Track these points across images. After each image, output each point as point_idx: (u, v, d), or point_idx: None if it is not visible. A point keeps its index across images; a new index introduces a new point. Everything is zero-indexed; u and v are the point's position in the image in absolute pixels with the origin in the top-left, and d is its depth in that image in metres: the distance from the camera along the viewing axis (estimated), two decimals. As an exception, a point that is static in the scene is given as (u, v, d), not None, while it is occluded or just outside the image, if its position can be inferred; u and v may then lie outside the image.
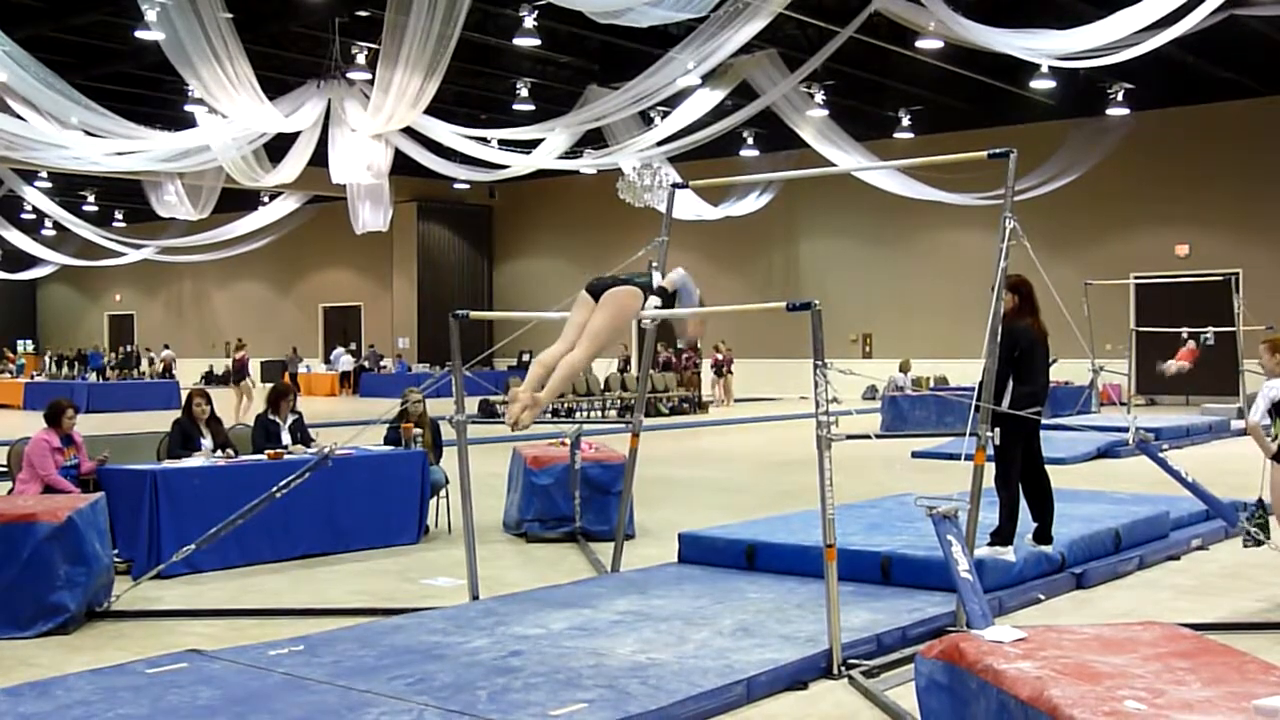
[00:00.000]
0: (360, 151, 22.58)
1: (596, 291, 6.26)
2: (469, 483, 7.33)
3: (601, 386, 25.96)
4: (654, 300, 6.32)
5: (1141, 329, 23.96)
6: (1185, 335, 20.12)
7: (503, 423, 5.89)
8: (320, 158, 23.03)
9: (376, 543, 9.34)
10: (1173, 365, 18.85)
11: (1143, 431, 7.38)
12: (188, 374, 38.98)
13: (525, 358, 33.61)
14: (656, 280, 6.43)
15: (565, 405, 24.56)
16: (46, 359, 41.17)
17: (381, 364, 35.95)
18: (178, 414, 9.96)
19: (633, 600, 7.04)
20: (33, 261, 40.01)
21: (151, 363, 39.03)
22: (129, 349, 41.99)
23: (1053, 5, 19.70)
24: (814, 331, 5.98)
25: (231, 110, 18.12)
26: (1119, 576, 8.02)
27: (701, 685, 5.31)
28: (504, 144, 23.86)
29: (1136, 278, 25.21)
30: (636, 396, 8.78)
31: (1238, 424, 19.02)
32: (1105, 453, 15.51)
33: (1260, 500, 7.27)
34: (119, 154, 21.39)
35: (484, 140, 23.56)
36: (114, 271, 42.35)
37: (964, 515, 6.28)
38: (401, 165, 25.23)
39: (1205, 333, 20.12)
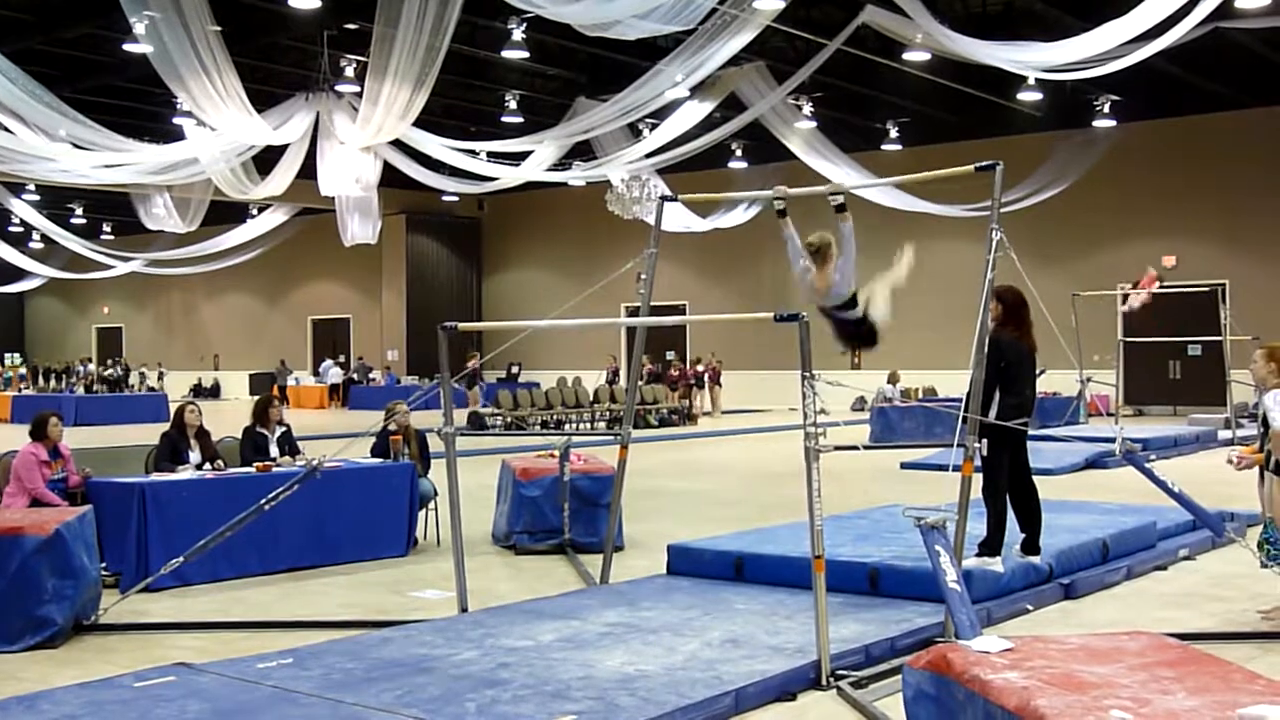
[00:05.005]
0: (349, 164, 22.56)
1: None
2: (458, 495, 7.34)
3: (590, 398, 25.93)
4: (804, 262, 7.47)
5: (1129, 339, 24.02)
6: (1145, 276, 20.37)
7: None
8: (309, 170, 23.01)
9: (365, 555, 9.32)
10: (1135, 300, 18.93)
11: (1130, 442, 7.37)
12: (175, 387, 38.92)
13: (514, 369, 33.60)
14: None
15: (554, 417, 24.55)
16: (32, 372, 41.08)
17: (370, 376, 35.91)
18: (165, 427, 9.94)
19: (621, 612, 7.04)
20: (20, 274, 39.92)
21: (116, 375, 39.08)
22: (116, 361, 41.86)
23: (1039, 18, 19.81)
24: (802, 343, 5.99)
25: (220, 123, 18.11)
26: (1106, 587, 8.03)
27: (690, 696, 5.31)
28: (493, 156, 23.88)
29: (1124, 289, 25.27)
30: (625, 408, 8.79)
31: (1225, 434, 19.09)
32: (1093, 463, 15.55)
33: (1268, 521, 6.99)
34: (107, 167, 21.36)
35: (473, 152, 23.58)
36: (102, 284, 42.32)
37: (952, 526, 6.29)
38: (390, 178, 25.22)
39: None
